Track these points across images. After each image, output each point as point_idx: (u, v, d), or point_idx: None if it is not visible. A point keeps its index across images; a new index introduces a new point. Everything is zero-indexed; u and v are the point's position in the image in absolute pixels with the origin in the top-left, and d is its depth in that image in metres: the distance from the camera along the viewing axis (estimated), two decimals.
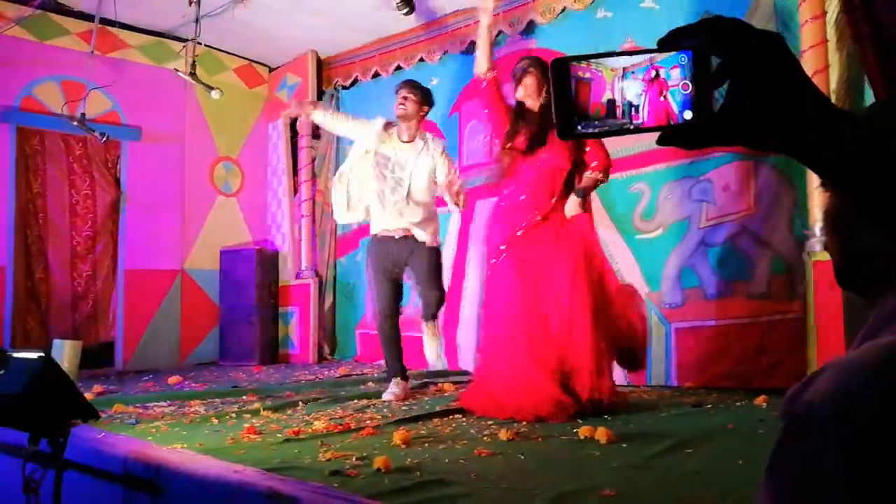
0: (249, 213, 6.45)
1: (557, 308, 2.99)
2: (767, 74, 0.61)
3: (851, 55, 3.29)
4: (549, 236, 3.10)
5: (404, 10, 4.95)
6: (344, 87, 6.24)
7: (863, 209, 0.63)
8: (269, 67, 6.62)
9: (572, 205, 3.11)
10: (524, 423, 2.80)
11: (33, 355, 2.22)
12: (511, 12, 4.94)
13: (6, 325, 4.97)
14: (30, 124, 5.22)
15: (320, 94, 6.30)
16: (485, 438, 2.53)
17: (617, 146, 3.78)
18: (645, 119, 0.65)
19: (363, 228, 6.01)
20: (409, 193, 3.66)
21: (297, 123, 6.31)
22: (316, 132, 6.34)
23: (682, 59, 0.64)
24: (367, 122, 3.82)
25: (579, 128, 0.66)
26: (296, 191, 6.32)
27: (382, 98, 5.76)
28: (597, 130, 0.66)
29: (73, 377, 3.20)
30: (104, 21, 5.12)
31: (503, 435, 2.51)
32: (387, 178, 3.67)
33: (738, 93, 0.62)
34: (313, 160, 6.28)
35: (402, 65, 5.70)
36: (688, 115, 0.64)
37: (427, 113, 3.82)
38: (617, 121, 0.65)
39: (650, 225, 4.17)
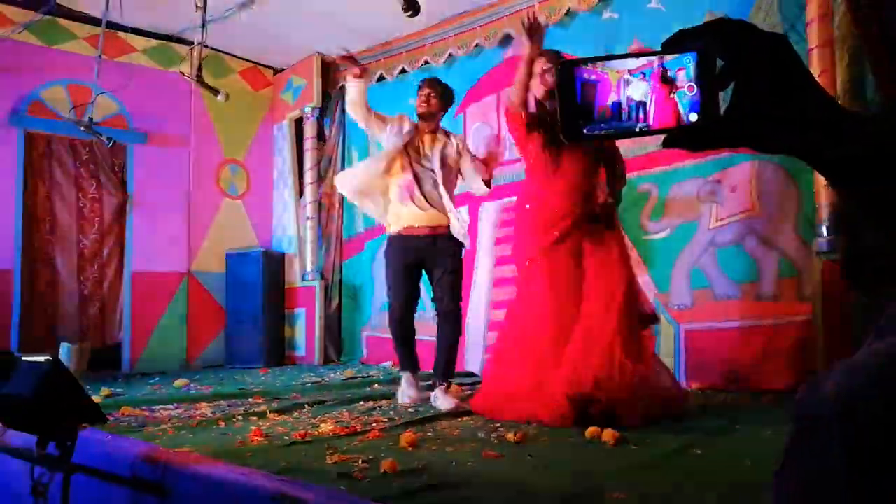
0: (255, 215, 6.46)
1: (587, 326, 2.86)
2: (771, 75, 0.61)
3: (857, 54, 3.28)
4: (587, 247, 3.01)
5: (409, 13, 4.95)
6: None
7: (867, 209, 0.64)
8: (275, 70, 6.64)
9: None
10: (532, 424, 2.78)
11: (41, 358, 2.23)
12: (517, 14, 4.94)
13: (14, 329, 5.00)
14: (37, 129, 5.25)
15: (325, 97, 6.32)
16: (492, 440, 2.53)
17: (624, 147, 3.77)
18: (651, 121, 0.65)
19: (369, 231, 6.04)
20: (438, 189, 3.62)
21: (303, 124, 6.32)
22: (322, 134, 6.36)
23: (688, 60, 0.64)
24: (393, 118, 3.72)
25: (585, 130, 0.66)
26: (301, 193, 6.33)
27: (388, 101, 5.77)
28: (602, 133, 0.66)
29: (80, 380, 3.21)
30: (111, 25, 5.14)
31: (511, 437, 2.50)
32: (418, 174, 3.60)
33: (742, 94, 0.62)
34: (319, 162, 6.29)
35: (406, 68, 5.71)
36: (693, 116, 0.64)
37: (447, 111, 3.75)
38: (622, 123, 0.65)
39: (658, 225, 4.16)
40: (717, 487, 1.86)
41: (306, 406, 3.45)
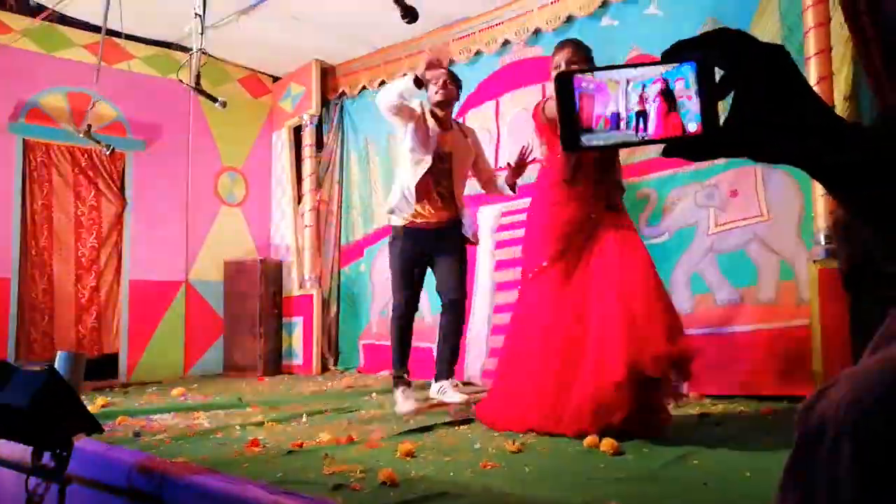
0: (254, 222, 6.46)
1: (596, 329, 2.75)
2: (769, 84, 0.62)
3: (855, 60, 3.29)
4: (599, 249, 2.89)
5: (407, 20, 4.96)
6: (350, 97, 6.25)
7: (866, 214, 0.64)
8: (274, 77, 6.65)
9: None
10: (532, 434, 2.76)
11: (37, 368, 2.22)
12: (516, 20, 4.96)
13: (10, 337, 4.98)
14: (36, 136, 5.25)
15: (325, 103, 6.32)
16: (491, 450, 2.51)
17: (622, 152, 3.77)
18: (650, 131, 0.65)
19: (367, 238, 6.03)
20: (453, 182, 3.59)
21: (302, 132, 6.32)
22: (320, 142, 6.36)
23: (687, 70, 0.64)
24: (417, 113, 3.58)
25: (584, 140, 0.66)
26: (299, 200, 6.33)
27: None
28: (602, 143, 0.66)
29: (76, 389, 3.19)
30: (109, 32, 5.15)
31: (509, 447, 2.48)
32: (436, 174, 3.55)
33: (741, 103, 0.63)
34: (317, 169, 6.28)
35: (408, 73, 5.70)
36: (692, 126, 0.64)
37: (459, 98, 3.73)
38: (622, 133, 0.65)
39: (657, 230, 4.16)
40: (716, 498, 1.85)
41: (304, 415, 3.43)
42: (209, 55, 5.35)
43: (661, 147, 0.66)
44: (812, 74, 3.37)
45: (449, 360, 3.57)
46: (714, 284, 3.89)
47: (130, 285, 5.61)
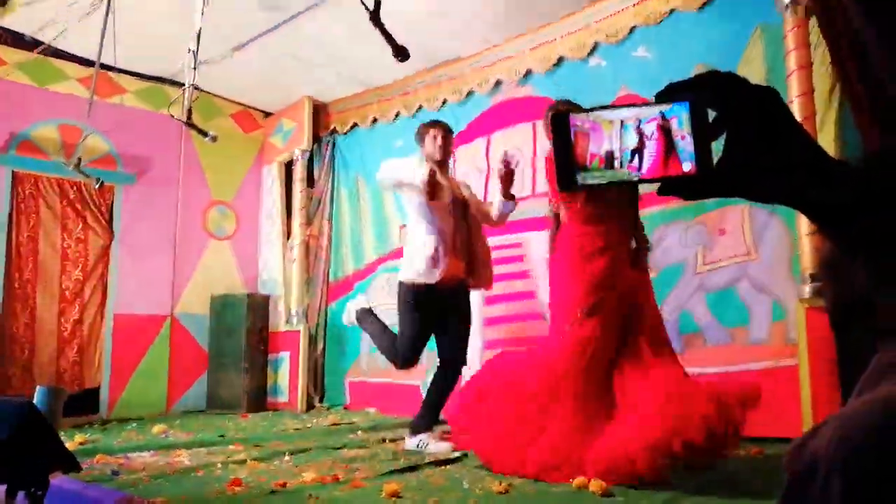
0: (242, 256, 6.43)
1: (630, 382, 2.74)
2: (759, 126, 0.63)
3: (841, 102, 3.35)
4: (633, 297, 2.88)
5: (399, 59, 5.02)
6: (341, 133, 6.29)
7: (853, 249, 0.64)
8: (265, 113, 6.69)
9: None
10: (518, 476, 2.67)
11: (16, 402, 2.16)
12: (508, 60, 5.04)
13: None
14: (26, 168, 5.23)
15: (316, 140, 6.36)
16: (477, 491, 2.46)
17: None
18: (644, 171, 0.66)
19: (357, 274, 6.00)
20: (471, 241, 3.61)
21: (293, 167, 6.33)
22: (311, 177, 6.37)
23: (680, 111, 0.65)
24: (414, 186, 3.48)
25: (579, 178, 0.67)
26: (289, 235, 6.31)
27: (381, 144, 5.82)
28: (596, 182, 0.67)
29: (55, 425, 3.13)
30: (103, 66, 5.18)
31: (496, 487, 2.44)
32: (455, 221, 3.57)
33: (733, 144, 0.64)
34: (308, 204, 6.28)
35: (402, 112, 5.77)
36: (686, 166, 0.65)
37: None
38: (616, 172, 0.66)
39: None
40: None
41: (287, 454, 3.36)
42: (202, 90, 5.41)
43: (649, 185, 0.67)
44: (796, 115, 3.43)
45: (435, 417, 3.54)
46: (704, 323, 3.88)
47: (115, 319, 5.54)
